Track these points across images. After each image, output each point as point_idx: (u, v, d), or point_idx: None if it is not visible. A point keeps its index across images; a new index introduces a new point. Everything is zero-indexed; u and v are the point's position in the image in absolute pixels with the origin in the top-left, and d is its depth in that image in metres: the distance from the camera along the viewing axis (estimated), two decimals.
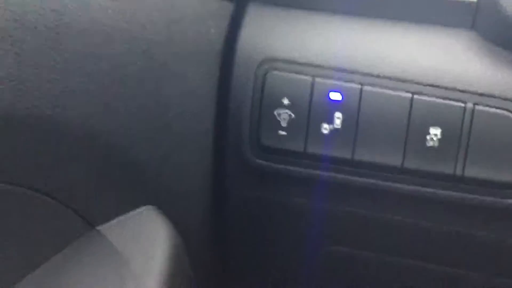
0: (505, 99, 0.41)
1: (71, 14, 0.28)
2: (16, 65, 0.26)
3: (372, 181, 0.44)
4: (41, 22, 0.27)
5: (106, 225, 0.37)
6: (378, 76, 0.43)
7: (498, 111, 0.41)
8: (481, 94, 0.41)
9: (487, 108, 0.41)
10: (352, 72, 0.43)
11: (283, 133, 0.44)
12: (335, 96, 0.43)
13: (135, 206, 0.39)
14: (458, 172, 0.42)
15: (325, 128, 0.43)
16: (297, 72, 0.44)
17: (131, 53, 0.34)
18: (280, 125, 0.44)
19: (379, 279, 0.50)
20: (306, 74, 0.43)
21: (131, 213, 0.39)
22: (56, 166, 0.32)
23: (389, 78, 0.43)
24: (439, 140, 0.42)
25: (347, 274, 0.51)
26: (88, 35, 0.30)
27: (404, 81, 0.42)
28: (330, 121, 0.43)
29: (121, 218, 0.38)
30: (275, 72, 0.44)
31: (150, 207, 0.40)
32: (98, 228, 0.37)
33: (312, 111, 0.43)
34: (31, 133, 0.28)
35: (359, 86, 0.42)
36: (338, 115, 0.43)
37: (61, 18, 0.28)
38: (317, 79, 0.43)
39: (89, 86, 0.31)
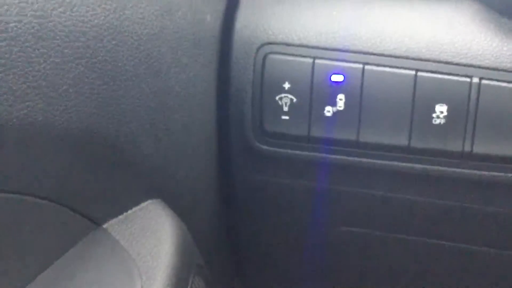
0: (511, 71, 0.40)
1: (55, 18, 0.28)
2: (2, 75, 0.26)
3: (379, 161, 0.43)
4: (24, 30, 0.26)
5: (111, 222, 0.37)
6: (380, 54, 0.42)
7: (504, 84, 0.40)
8: (487, 68, 0.40)
9: (493, 82, 0.40)
10: (353, 51, 0.42)
11: (286, 117, 0.43)
12: (337, 77, 0.42)
13: (140, 201, 0.39)
14: (467, 148, 0.41)
15: (328, 110, 0.42)
16: (296, 55, 0.43)
17: (123, 49, 0.33)
18: (282, 109, 0.43)
19: (390, 257, 0.50)
20: (306, 56, 0.42)
21: (136, 208, 0.39)
22: (55, 170, 0.31)
23: (391, 55, 0.41)
24: (445, 117, 0.41)
25: (358, 254, 0.51)
26: (76, 37, 0.29)
27: (406, 58, 0.41)
28: (333, 103, 0.42)
29: (127, 214, 0.38)
30: (275, 56, 0.43)
31: (155, 201, 0.40)
32: (104, 226, 0.37)
33: (313, 94, 0.42)
34: (24, 141, 0.28)
35: (361, 66, 0.41)
36: (340, 96, 0.42)
37: (45, 23, 0.27)
38: (318, 61, 0.42)
39: (81, 88, 0.30)
